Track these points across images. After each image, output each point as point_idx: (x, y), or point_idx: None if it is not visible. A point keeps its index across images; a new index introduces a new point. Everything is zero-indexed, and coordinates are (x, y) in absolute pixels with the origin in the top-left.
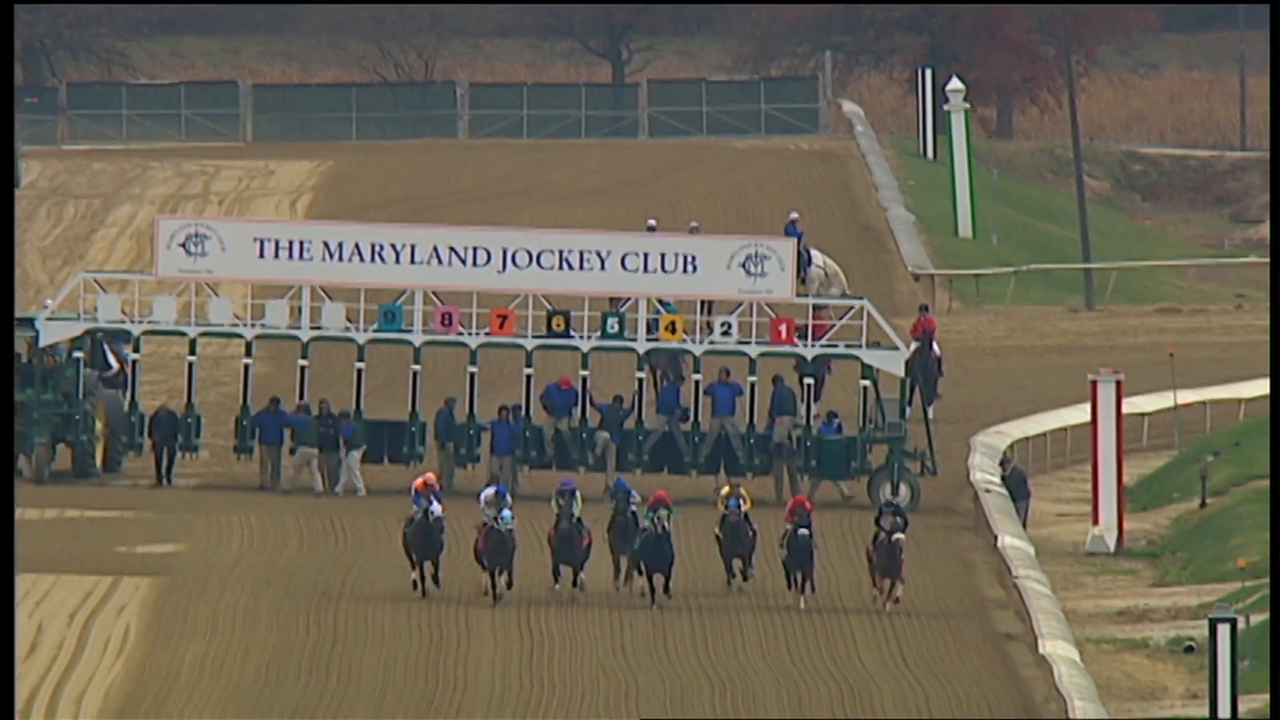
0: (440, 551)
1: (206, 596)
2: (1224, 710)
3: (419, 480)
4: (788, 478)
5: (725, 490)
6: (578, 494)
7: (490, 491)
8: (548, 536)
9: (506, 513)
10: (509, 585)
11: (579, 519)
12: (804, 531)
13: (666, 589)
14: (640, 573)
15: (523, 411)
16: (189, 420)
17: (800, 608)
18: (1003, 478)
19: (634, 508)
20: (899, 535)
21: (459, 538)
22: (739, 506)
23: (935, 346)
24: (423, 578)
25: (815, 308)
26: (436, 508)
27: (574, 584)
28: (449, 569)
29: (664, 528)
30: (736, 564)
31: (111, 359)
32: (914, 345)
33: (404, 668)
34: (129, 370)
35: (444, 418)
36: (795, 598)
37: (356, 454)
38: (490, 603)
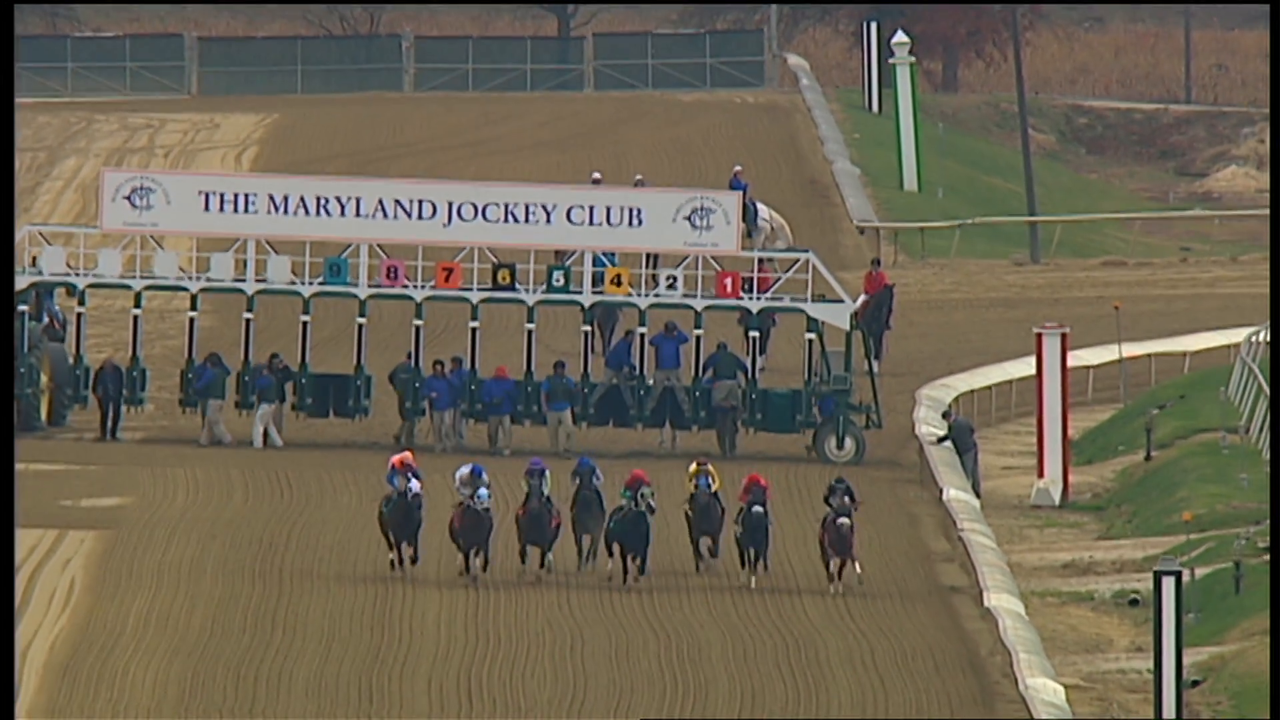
0: (418, 530)
1: (152, 550)
2: (1169, 662)
3: (396, 458)
4: (729, 435)
5: (693, 468)
6: (548, 473)
7: (465, 470)
8: (515, 516)
9: (483, 491)
10: (484, 565)
11: (549, 499)
12: (759, 509)
13: (641, 570)
14: (611, 553)
15: (466, 365)
16: (134, 374)
17: (751, 586)
18: (949, 429)
19: (598, 484)
20: (844, 520)
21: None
22: (708, 485)
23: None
24: (400, 559)
25: (760, 261)
26: (415, 485)
27: (540, 565)
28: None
29: (650, 505)
30: (705, 543)
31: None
32: (862, 298)
33: (349, 621)
34: (58, 325)
35: (407, 372)
36: (748, 577)
37: (267, 407)
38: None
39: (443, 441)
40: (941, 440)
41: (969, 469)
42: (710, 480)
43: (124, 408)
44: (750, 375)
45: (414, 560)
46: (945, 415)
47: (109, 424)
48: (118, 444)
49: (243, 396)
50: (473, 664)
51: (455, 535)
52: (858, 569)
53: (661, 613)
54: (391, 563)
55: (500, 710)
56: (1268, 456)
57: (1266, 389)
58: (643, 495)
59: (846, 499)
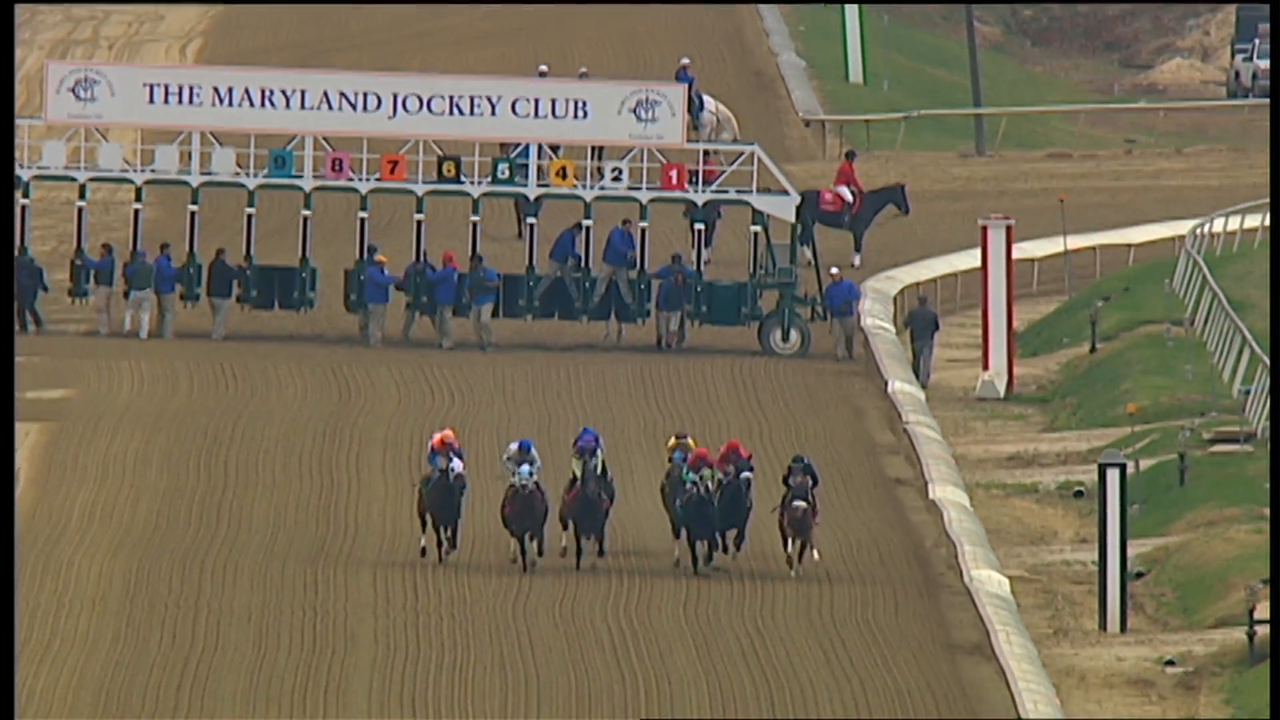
0: (458, 514)
1: (97, 442)
2: (1113, 554)
3: (436, 437)
4: (677, 325)
5: (671, 442)
6: (600, 451)
7: (514, 446)
8: (563, 501)
9: (525, 468)
10: (539, 551)
11: (600, 478)
12: (746, 474)
13: (710, 558)
14: (679, 536)
15: (417, 258)
16: (78, 264)
17: (714, 565)
18: (908, 316)
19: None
20: (798, 503)
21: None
22: (685, 459)
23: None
24: (439, 541)
25: (706, 153)
26: (457, 465)
27: (599, 553)
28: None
29: (707, 489)
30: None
31: None
32: (845, 190)
33: (295, 513)
34: None
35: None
36: (726, 559)
37: (136, 294)
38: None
39: (378, 335)
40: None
41: (920, 357)
42: (688, 454)
43: (39, 301)
44: (696, 264)
45: (451, 547)
46: (921, 300)
47: (25, 317)
48: (62, 336)
49: (129, 284)
50: (417, 556)
51: (507, 521)
52: (815, 555)
53: None
54: (423, 550)
55: (445, 601)
56: (1212, 348)
57: (1212, 281)
58: (702, 476)
59: (806, 479)
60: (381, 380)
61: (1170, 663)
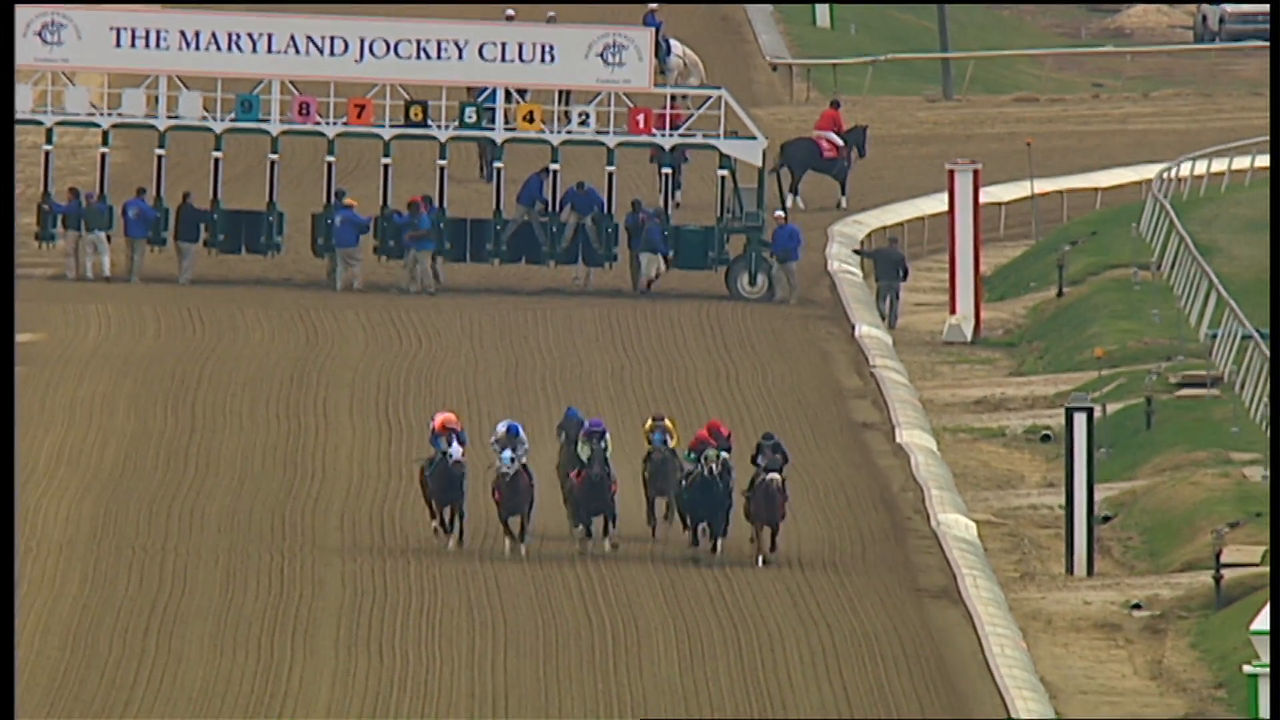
0: (461, 498)
1: (64, 386)
2: (1080, 498)
3: (438, 420)
4: (648, 270)
5: (649, 424)
6: (608, 434)
7: (502, 428)
8: (570, 484)
9: (505, 455)
10: (521, 533)
11: (608, 462)
12: (725, 455)
13: (714, 545)
14: (685, 524)
15: (381, 200)
16: (45, 208)
17: (701, 555)
18: (872, 250)
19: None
20: (773, 475)
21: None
22: (665, 441)
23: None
24: (447, 526)
25: (673, 97)
26: (456, 450)
27: (605, 533)
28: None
29: (711, 470)
30: (661, 504)
31: None
32: (827, 135)
33: (262, 457)
34: None
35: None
36: (705, 544)
37: (94, 234)
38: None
39: (344, 278)
40: (858, 253)
41: (885, 301)
42: (667, 436)
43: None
44: (664, 207)
45: (460, 534)
46: (892, 241)
47: None
48: (28, 280)
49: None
50: (385, 499)
51: (497, 506)
52: (778, 543)
53: None
54: (435, 530)
55: (412, 545)
56: (1178, 292)
57: (1179, 225)
58: (706, 458)
59: (776, 455)
60: (348, 324)
61: (1137, 606)
